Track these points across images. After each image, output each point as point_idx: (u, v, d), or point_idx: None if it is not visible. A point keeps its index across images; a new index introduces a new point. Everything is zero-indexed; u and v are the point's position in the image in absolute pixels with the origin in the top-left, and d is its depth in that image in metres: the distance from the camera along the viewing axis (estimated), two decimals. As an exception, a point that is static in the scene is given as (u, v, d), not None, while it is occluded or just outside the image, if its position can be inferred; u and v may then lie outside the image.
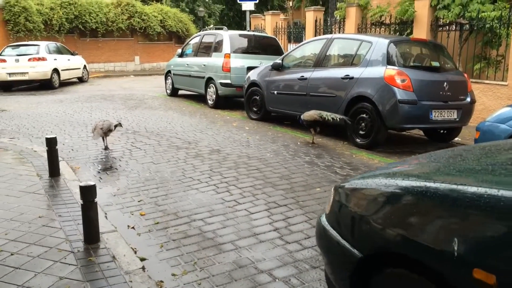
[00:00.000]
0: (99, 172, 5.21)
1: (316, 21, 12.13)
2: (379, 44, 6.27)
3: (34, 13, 19.06)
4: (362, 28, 10.53)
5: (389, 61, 6.12)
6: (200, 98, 11.16)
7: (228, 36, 9.96)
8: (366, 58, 6.34)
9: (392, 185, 1.82)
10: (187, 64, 11.24)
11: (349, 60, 6.79)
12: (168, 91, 12.46)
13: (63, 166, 5.18)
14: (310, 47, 7.71)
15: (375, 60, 6.22)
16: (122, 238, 3.43)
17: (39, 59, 14.04)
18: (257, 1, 13.96)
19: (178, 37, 26.06)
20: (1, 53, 14.38)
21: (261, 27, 15.67)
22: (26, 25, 18.70)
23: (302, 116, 6.72)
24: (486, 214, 1.43)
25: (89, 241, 3.28)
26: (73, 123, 8.07)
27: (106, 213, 3.98)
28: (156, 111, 9.55)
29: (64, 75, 15.24)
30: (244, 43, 10.30)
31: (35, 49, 14.35)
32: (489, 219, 1.42)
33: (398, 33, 9.78)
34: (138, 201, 4.28)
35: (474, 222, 1.47)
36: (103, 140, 6.24)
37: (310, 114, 6.75)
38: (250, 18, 14.88)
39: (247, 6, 13.83)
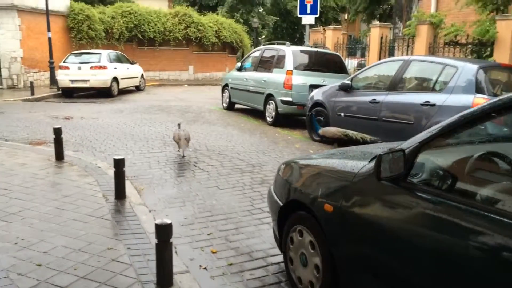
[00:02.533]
0: (164, 197, 4.99)
1: (381, 38, 11.61)
2: (466, 69, 5.73)
3: (96, 21, 19.64)
4: (434, 48, 9.93)
5: (477, 88, 5.57)
6: (257, 114, 10.90)
7: (290, 52, 9.66)
8: (450, 84, 5.81)
9: (298, 162, 3.17)
10: (246, 79, 11.03)
11: (430, 85, 6.29)
12: (225, 105, 12.30)
13: (127, 186, 5.00)
14: (384, 68, 7.26)
15: (460, 87, 5.69)
16: (195, 281, 3.15)
17: (100, 67, 14.34)
18: (317, 15, 13.59)
19: (232, 48, 26.16)
20: (65, 60, 14.82)
21: (320, 42, 15.29)
22: (89, 33, 19.30)
23: (320, 132, 6.50)
24: (328, 175, 2.75)
25: (162, 284, 3.01)
26: (134, 137, 7.99)
27: (175, 247, 3.71)
28: (215, 127, 9.36)
29: (122, 84, 15.50)
30: (306, 59, 9.97)
31: (97, 58, 14.68)
32: (326, 177, 2.77)
33: (475, 55, 9.11)
34: (208, 235, 4.00)
35: (325, 180, 2.73)
36: (180, 148, 6.49)
37: (332, 132, 6.55)
38: (309, 32, 14.54)
39: (307, 20, 13.51)
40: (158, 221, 3.01)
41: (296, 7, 31.71)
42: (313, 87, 9.23)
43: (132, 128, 8.84)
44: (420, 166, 2.17)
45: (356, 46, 15.18)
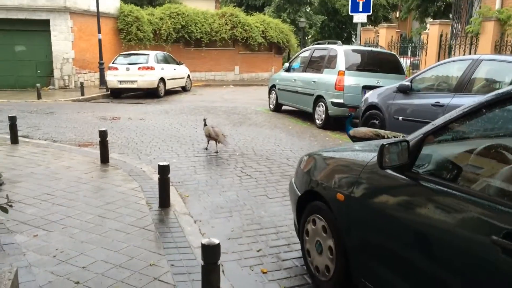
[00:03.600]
0: (210, 205, 4.68)
1: (441, 36, 10.84)
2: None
3: (145, 23, 19.87)
4: (501, 46, 9.10)
5: None
6: (305, 116, 10.46)
7: (342, 52, 9.15)
8: (529, 86, 5.14)
9: (318, 156, 3.25)
10: (294, 80, 10.61)
11: (503, 87, 5.61)
12: (272, 106, 11.94)
13: (172, 193, 4.73)
14: (449, 68, 6.63)
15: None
16: (245, 309, 2.79)
17: (147, 68, 14.38)
18: (370, 13, 12.95)
19: (278, 48, 25.80)
20: (114, 61, 14.99)
21: (372, 41, 14.61)
22: (137, 34, 19.54)
23: (351, 132, 6.39)
24: (342, 166, 2.93)
25: (208, 311, 2.67)
26: (179, 139, 7.78)
27: (222, 265, 3.37)
28: (262, 129, 9.02)
29: (169, 84, 15.50)
30: (359, 59, 9.41)
31: (144, 58, 14.74)
32: (339, 168, 2.94)
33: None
34: (257, 251, 3.64)
35: (338, 170, 2.92)
36: (217, 144, 6.83)
37: (363, 132, 6.23)
38: (361, 31, 13.90)
39: (359, 18, 12.89)
40: (205, 241, 2.67)
41: (345, 5, 31.08)
42: (366, 88, 8.69)
43: (178, 130, 8.65)
44: (425, 157, 2.29)
45: (410, 45, 14.37)
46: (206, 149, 7.05)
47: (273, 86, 11.81)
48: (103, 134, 5.84)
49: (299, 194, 3.27)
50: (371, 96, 7.81)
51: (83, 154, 6.42)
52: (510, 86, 2.00)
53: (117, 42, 19.58)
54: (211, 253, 2.64)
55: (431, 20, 19.06)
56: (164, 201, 4.40)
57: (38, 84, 14.01)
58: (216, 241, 2.65)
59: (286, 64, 11.49)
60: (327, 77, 9.23)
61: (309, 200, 3.12)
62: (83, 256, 3.28)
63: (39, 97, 13.54)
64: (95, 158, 6.06)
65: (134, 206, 4.39)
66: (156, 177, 5.37)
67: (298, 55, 11.31)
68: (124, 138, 7.82)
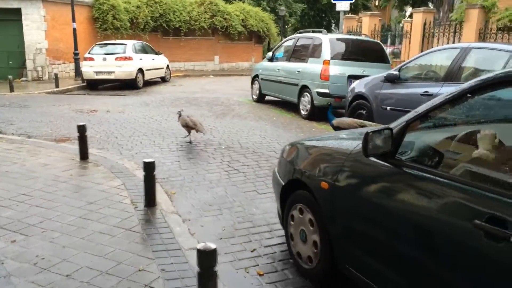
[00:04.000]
0: (198, 203, 4.47)
1: (424, 24, 10.77)
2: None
3: (121, 11, 19.27)
4: (485, 34, 9.08)
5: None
6: (290, 106, 10.29)
7: (328, 40, 8.98)
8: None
9: (302, 145, 3.27)
10: (278, 69, 10.40)
11: (494, 76, 5.54)
12: (255, 97, 11.72)
13: (157, 190, 4.49)
14: (437, 57, 6.53)
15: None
16: (244, 316, 2.61)
17: (125, 58, 13.95)
18: (353, 1, 12.81)
19: (259, 37, 25.51)
20: (90, 51, 14.49)
21: (356, 29, 14.48)
22: (114, 23, 18.95)
23: (334, 122, 6.30)
24: (325, 155, 2.95)
25: (206, 321, 2.48)
26: (162, 133, 7.51)
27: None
28: (246, 121, 8.80)
29: (148, 75, 15.10)
30: (344, 48, 9.26)
31: (122, 48, 14.29)
32: (323, 157, 2.97)
33: (534, 41, 8.27)
34: (251, 251, 3.46)
35: (322, 159, 2.93)
36: (196, 133, 6.73)
37: (347, 123, 6.14)
38: (343, 19, 13.76)
39: (342, 6, 12.73)
40: (200, 246, 2.47)
41: (325, -6, 30.86)
42: (352, 77, 8.57)
43: (160, 123, 8.36)
44: (408, 144, 2.33)
45: (390, 33, 14.32)
46: (191, 142, 6.82)
47: (256, 76, 11.58)
48: (81, 129, 5.54)
49: (283, 184, 3.31)
50: (358, 86, 7.68)
51: (60, 150, 6.11)
52: (488, 74, 2.06)
53: (92, 32, 18.95)
54: (207, 258, 2.45)
55: (411, 8, 19.09)
56: (150, 200, 4.18)
57: (10, 76, 13.42)
58: (213, 246, 2.46)
59: (269, 54, 11.27)
60: (312, 66, 9.06)
61: (293, 189, 3.16)
62: (66, 263, 3.04)
63: (11, 89, 12.98)
64: (74, 154, 5.76)
65: (118, 205, 4.15)
66: (139, 173, 5.14)
67: (281, 44, 11.10)
68: (103, 132, 7.50)
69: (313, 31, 10.03)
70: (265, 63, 11.38)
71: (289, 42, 10.58)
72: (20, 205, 4.02)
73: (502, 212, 1.65)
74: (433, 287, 1.96)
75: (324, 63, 8.74)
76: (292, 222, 3.15)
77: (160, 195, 4.47)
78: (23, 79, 16.46)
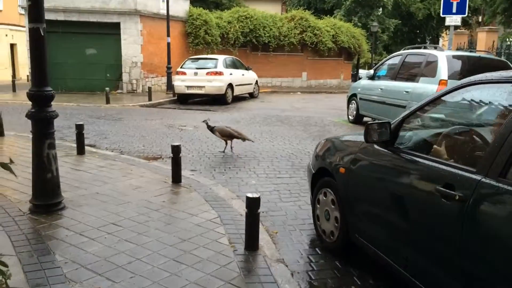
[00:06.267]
0: (306, 249, 3.72)
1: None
2: None
3: (213, 26, 19.42)
4: None
5: None
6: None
7: (444, 58, 7.88)
8: None
9: (331, 140, 3.89)
10: (381, 89, 9.43)
11: None
12: (351, 117, 10.81)
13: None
14: None
15: None
16: None
17: (216, 73, 13.78)
18: (465, 15, 11.48)
19: (348, 54, 24.53)
20: (182, 65, 14.54)
21: (465, 46, 13.05)
22: (205, 38, 19.12)
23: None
24: (346, 146, 3.60)
25: None
26: (256, 155, 6.92)
27: None
28: (346, 145, 7.94)
29: (237, 91, 14.83)
30: (463, 67, 8.09)
31: (213, 63, 14.17)
32: (343, 147, 3.59)
33: None
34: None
35: (343, 149, 3.57)
36: (226, 143, 6.93)
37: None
38: (453, 35, 12.43)
39: (452, 21, 11.45)
40: None
41: (421, 9, 29.12)
42: (473, 101, 7.37)
43: (251, 143, 7.80)
44: (403, 135, 3.00)
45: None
46: (224, 152, 6.91)
47: (354, 95, 10.68)
48: (176, 150, 5.08)
49: (313, 172, 3.91)
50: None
51: (152, 170, 5.71)
52: (468, 78, 2.63)
53: (184, 46, 19.28)
54: None
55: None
56: (252, 243, 3.50)
57: (107, 88, 13.83)
58: None
59: (370, 71, 10.34)
60: (424, 86, 7.99)
61: (321, 177, 3.76)
62: (157, 329, 2.44)
63: (107, 101, 13.33)
64: (166, 176, 5.32)
65: (215, 246, 3.52)
66: (236, 204, 4.59)
67: (385, 62, 10.13)
68: (195, 151, 7.08)
69: (424, 47, 8.94)
70: (365, 82, 10.46)
71: (394, 59, 9.58)
72: (108, 238, 3.55)
73: (452, 180, 2.22)
74: (407, 237, 2.58)
75: (440, 83, 7.64)
76: (318, 205, 3.75)
77: (261, 235, 3.78)
78: (119, 91, 17.04)
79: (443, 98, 2.76)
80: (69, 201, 4.28)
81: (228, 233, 3.80)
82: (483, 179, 2.06)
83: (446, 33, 34.98)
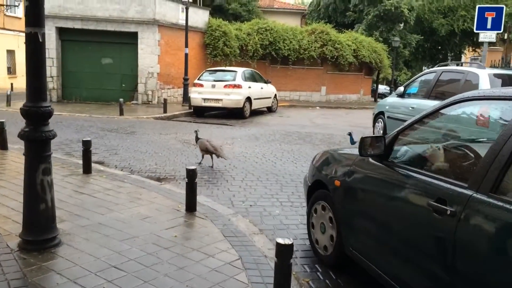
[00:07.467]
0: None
1: None
2: None
3: (232, 38, 18.99)
4: None
5: None
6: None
7: (486, 76, 7.17)
8: None
9: (327, 152, 3.92)
10: (412, 108, 8.72)
11: None
12: (378, 136, 10.10)
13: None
14: None
15: None
16: None
17: (234, 86, 13.25)
18: (501, 31, 10.78)
19: (369, 68, 23.88)
20: (200, 77, 14.05)
21: (498, 63, 12.31)
22: (224, 49, 18.68)
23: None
24: (341, 159, 3.57)
25: None
26: (278, 178, 6.28)
27: None
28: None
29: (255, 104, 14.27)
30: (504, 85, 7.35)
31: (231, 75, 13.65)
32: (339, 160, 3.57)
33: None
34: None
35: (338, 162, 3.57)
36: (212, 158, 6.72)
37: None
38: (486, 51, 11.70)
39: (487, 37, 10.76)
40: None
41: (443, 25, 28.34)
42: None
43: (274, 164, 7.17)
44: (398, 149, 2.97)
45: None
46: (200, 163, 6.80)
47: (381, 113, 9.99)
48: (191, 175, 4.47)
49: (309, 184, 3.90)
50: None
51: (164, 194, 5.10)
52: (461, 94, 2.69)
53: (202, 58, 18.84)
54: None
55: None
56: (282, 296, 2.85)
57: (121, 99, 13.37)
58: None
59: (400, 89, 9.66)
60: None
61: (316, 189, 3.76)
62: None
63: (121, 113, 12.86)
64: (179, 203, 4.72)
65: (237, 298, 2.89)
66: (259, 240, 4.02)
67: (417, 78, 9.45)
68: (212, 173, 6.47)
69: (457, 64, 8.24)
70: (394, 99, 9.78)
71: (428, 76, 8.88)
72: (114, 284, 2.93)
73: (444, 195, 2.22)
74: (399, 250, 2.58)
75: (482, 104, 6.93)
76: (314, 215, 3.71)
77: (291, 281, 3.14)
78: (134, 102, 16.61)
79: (436, 113, 2.79)
80: (66, 234, 3.69)
81: (252, 281, 3.16)
82: (474, 194, 2.06)
83: (468, 50, 34.10)
